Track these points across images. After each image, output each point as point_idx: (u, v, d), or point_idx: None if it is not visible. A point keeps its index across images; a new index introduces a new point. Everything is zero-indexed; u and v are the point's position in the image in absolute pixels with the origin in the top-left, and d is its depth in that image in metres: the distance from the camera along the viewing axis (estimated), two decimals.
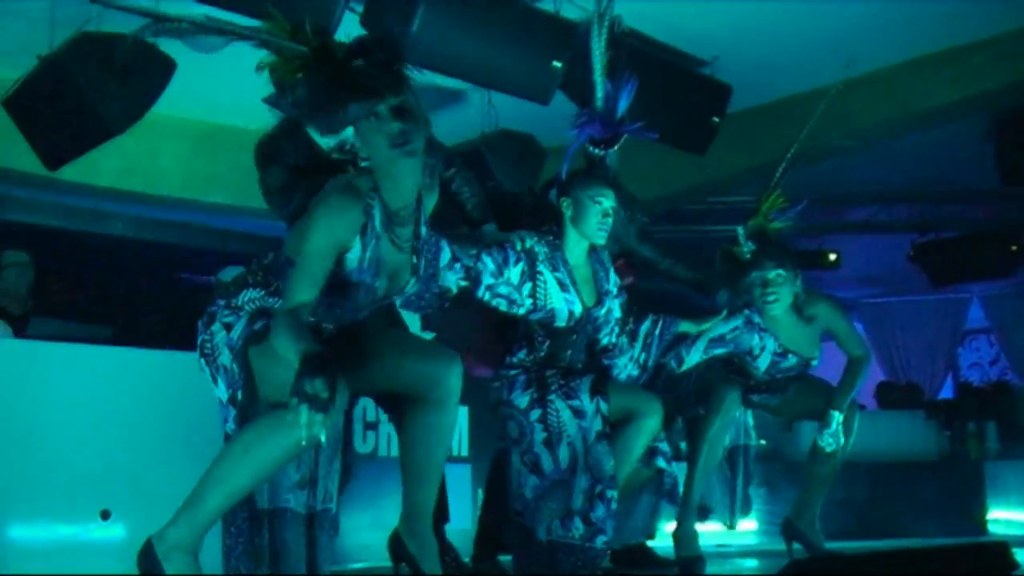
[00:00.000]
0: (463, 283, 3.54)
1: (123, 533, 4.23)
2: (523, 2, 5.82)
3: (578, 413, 3.64)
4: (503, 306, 3.66)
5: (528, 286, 3.65)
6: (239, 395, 2.89)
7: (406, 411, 3.15)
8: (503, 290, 3.63)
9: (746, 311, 4.58)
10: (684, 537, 4.54)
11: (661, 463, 3.97)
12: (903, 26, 6.42)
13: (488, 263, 3.59)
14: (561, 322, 3.71)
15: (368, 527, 4.65)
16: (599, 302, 3.81)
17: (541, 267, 3.68)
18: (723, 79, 6.72)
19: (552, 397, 3.66)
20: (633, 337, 3.97)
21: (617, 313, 3.91)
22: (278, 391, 2.72)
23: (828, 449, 4.64)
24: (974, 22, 6.42)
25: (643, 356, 3.97)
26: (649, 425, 3.78)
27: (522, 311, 3.68)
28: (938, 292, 11.46)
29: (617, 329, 3.93)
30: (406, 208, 2.98)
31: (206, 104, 7.51)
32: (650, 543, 4.68)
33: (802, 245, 10.06)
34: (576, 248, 3.78)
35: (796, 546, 4.88)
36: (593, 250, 3.85)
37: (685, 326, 4.07)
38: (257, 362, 2.85)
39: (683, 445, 4.81)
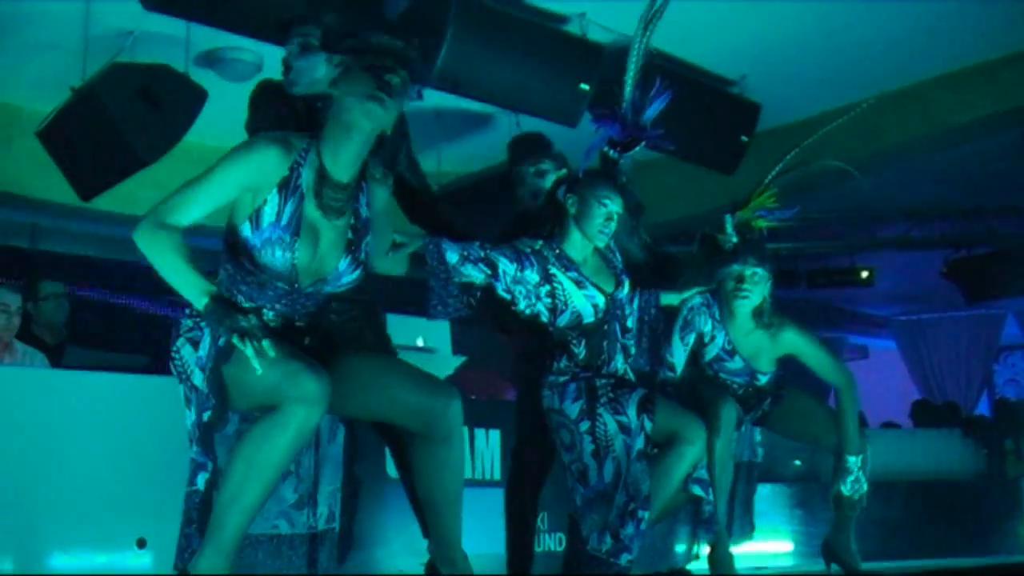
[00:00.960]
0: (485, 271, 3.48)
1: (158, 562, 4.24)
2: (550, 26, 5.85)
3: (624, 429, 3.61)
4: (523, 303, 3.62)
5: (546, 287, 3.62)
6: (204, 416, 2.87)
7: (412, 447, 3.12)
8: (522, 289, 3.59)
9: (707, 295, 4.41)
10: (720, 560, 4.50)
11: (698, 491, 3.94)
12: (933, 42, 6.40)
13: (502, 257, 3.55)
14: (589, 318, 3.67)
15: (402, 552, 4.65)
16: (619, 284, 3.77)
17: (553, 269, 3.64)
18: (752, 98, 6.72)
19: (601, 410, 3.64)
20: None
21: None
22: (251, 398, 2.77)
23: (856, 497, 4.55)
24: (1004, 37, 6.40)
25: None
26: (691, 452, 3.76)
27: (544, 316, 3.66)
28: (972, 308, 11.36)
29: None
30: (341, 183, 2.88)
31: (238, 132, 7.56)
32: (690, 566, 4.65)
33: (835, 262, 10.03)
34: (578, 245, 3.72)
35: (835, 568, 4.83)
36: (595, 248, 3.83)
37: (667, 298, 4.00)
38: (229, 377, 2.81)
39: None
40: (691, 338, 4.38)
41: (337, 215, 2.89)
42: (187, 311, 2.94)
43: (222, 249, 2.94)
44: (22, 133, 6.44)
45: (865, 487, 4.55)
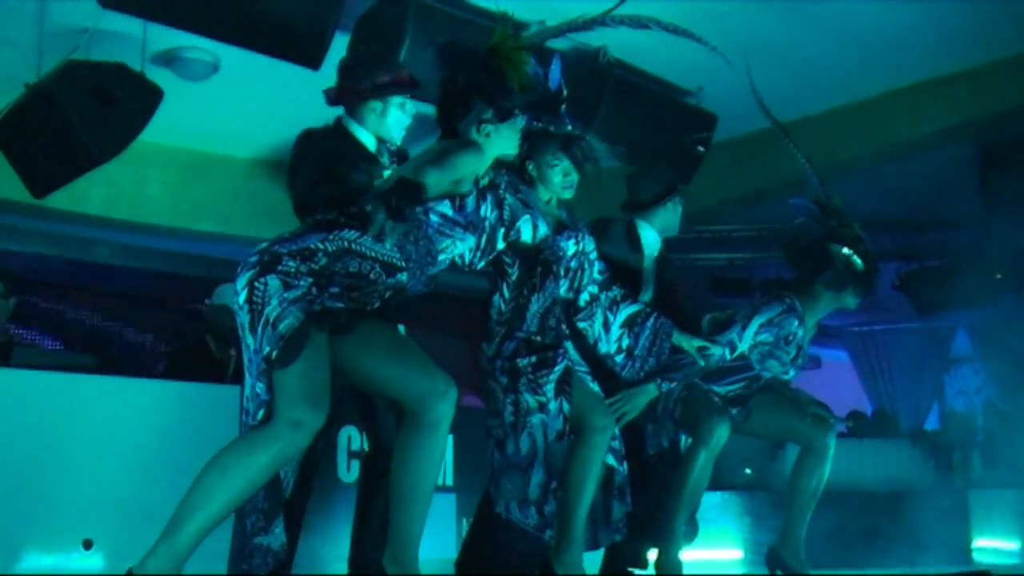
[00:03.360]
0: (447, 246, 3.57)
1: (105, 563, 4.21)
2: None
3: (542, 408, 3.69)
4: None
5: (495, 213, 3.69)
6: (274, 355, 2.91)
7: (400, 433, 3.19)
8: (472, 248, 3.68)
9: (787, 298, 4.68)
10: (668, 566, 4.53)
11: (610, 460, 4.00)
12: (887, 56, 6.47)
13: (460, 214, 3.62)
14: (527, 236, 3.73)
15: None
16: (563, 233, 3.89)
17: (503, 192, 3.73)
18: (709, 108, 6.77)
19: (521, 388, 3.69)
20: (614, 312, 4.00)
21: (594, 274, 3.99)
22: (291, 388, 2.86)
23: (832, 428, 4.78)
24: (958, 53, 6.47)
25: (626, 341, 3.99)
26: (603, 439, 3.85)
27: (500, 245, 3.72)
28: (924, 321, 11.48)
29: (594, 290, 3.99)
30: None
31: (193, 133, 7.53)
32: (639, 572, 4.67)
33: (788, 272, 10.08)
34: (545, 196, 3.93)
35: (779, 574, 4.87)
36: (568, 207, 4.00)
37: (677, 338, 4.09)
38: (305, 355, 2.89)
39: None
40: (765, 336, 4.60)
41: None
42: (292, 247, 3.02)
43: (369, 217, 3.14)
44: None
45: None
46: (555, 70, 3.90)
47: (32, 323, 8.65)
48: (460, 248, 3.51)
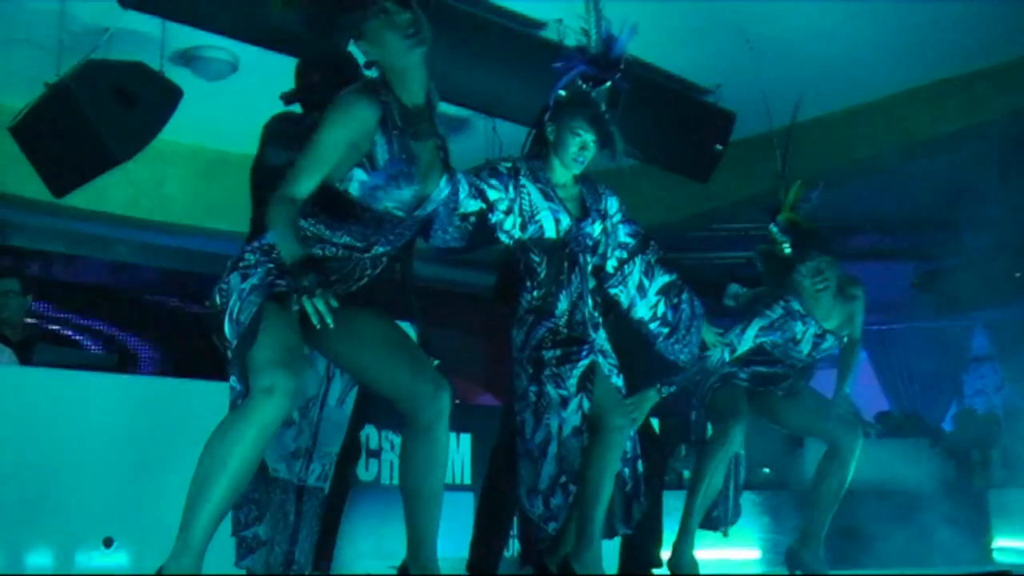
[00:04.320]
0: (481, 205, 3.60)
1: (126, 561, 4.22)
2: (526, 32, 5.87)
3: (563, 402, 3.68)
4: (506, 228, 3.71)
5: (512, 196, 3.71)
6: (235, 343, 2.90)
7: (403, 438, 3.19)
8: (504, 206, 3.69)
9: (782, 301, 4.64)
10: (682, 564, 4.53)
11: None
12: (906, 55, 6.45)
13: (490, 182, 3.67)
14: (551, 232, 3.73)
15: (370, 555, 4.64)
16: (587, 217, 3.83)
17: (523, 180, 3.74)
18: (726, 107, 6.75)
19: (544, 379, 3.69)
20: (649, 277, 3.94)
21: (622, 238, 3.94)
22: (257, 359, 2.82)
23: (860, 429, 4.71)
24: (977, 51, 6.45)
25: (662, 308, 3.93)
26: (620, 438, 3.82)
27: (516, 232, 3.72)
28: (942, 319, 11.44)
29: (623, 255, 3.94)
30: (418, 107, 3.05)
31: (212, 131, 7.55)
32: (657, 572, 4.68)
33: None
34: (559, 171, 3.83)
35: (799, 574, 4.87)
36: (584, 178, 3.89)
37: (705, 331, 4.08)
38: (265, 328, 2.86)
39: (686, 473, 4.81)
40: (767, 339, 4.60)
41: (427, 137, 3.07)
42: (251, 246, 3.04)
43: (321, 204, 3.04)
44: None
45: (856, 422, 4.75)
46: (624, 39, 3.83)
47: (50, 321, 8.69)
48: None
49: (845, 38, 6.23)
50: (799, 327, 4.64)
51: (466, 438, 5.60)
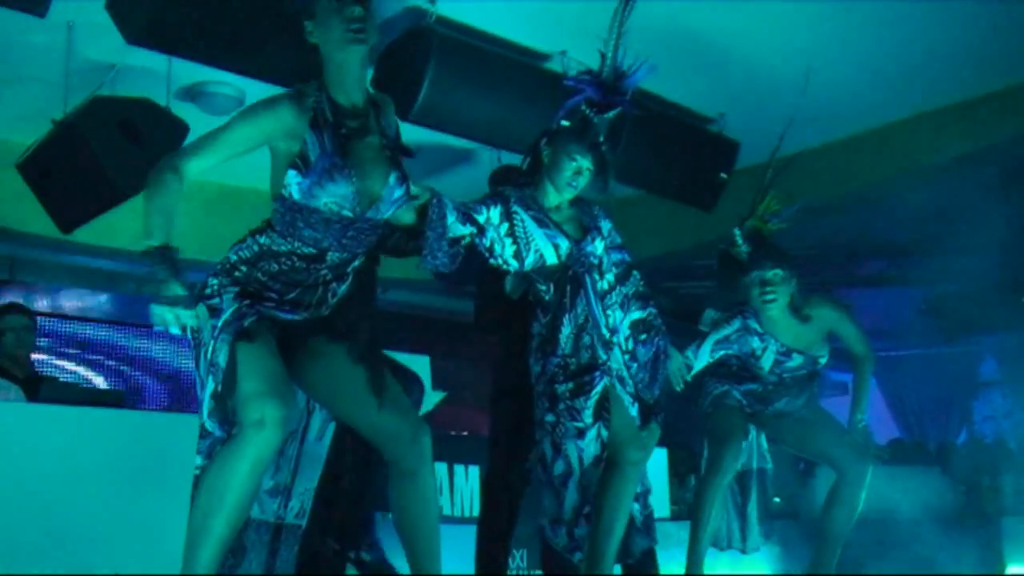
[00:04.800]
0: (471, 229, 3.58)
1: None
2: (532, 64, 5.89)
3: (580, 434, 3.68)
4: (500, 257, 3.70)
5: (505, 226, 3.70)
6: (219, 389, 2.86)
7: (389, 481, 3.16)
8: (495, 235, 3.68)
9: (740, 317, 4.64)
10: None
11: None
12: (907, 82, 6.46)
13: (479, 208, 3.66)
14: (551, 258, 3.73)
15: None
16: (586, 237, 3.82)
17: (515, 207, 3.73)
18: (730, 136, 6.77)
19: (560, 412, 3.70)
20: (624, 310, 3.90)
21: (616, 257, 3.92)
22: (242, 393, 2.80)
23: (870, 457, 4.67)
24: (980, 77, 6.45)
25: (631, 344, 3.88)
26: (635, 472, 3.83)
27: (512, 261, 3.71)
28: (950, 345, 11.41)
29: (611, 279, 3.90)
30: (355, 107, 3.05)
31: (219, 166, 7.57)
32: None
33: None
34: (552, 195, 3.82)
35: None
36: (577, 200, 3.88)
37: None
38: (243, 361, 2.84)
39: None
40: (722, 352, 4.62)
41: (362, 135, 3.05)
42: (214, 268, 3.02)
43: (272, 217, 3.05)
44: (2, 165, 6.42)
45: (873, 436, 4.75)
46: (639, 74, 3.86)
47: (58, 357, 8.69)
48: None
49: (846, 67, 6.24)
50: (756, 342, 4.63)
51: (475, 471, 5.57)
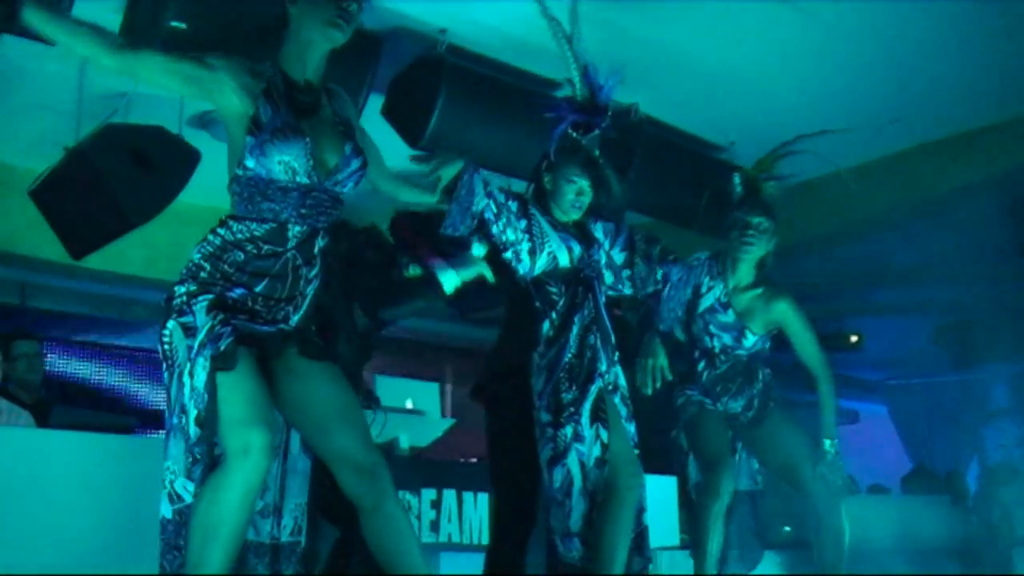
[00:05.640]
0: (492, 209, 3.74)
1: None
2: (542, 92, 5.91)
3: (577, 437, 3.71)
4: (513, 248, 3.82)
5: (524, 222, 3.85)
6: (202, 416, 2.78)
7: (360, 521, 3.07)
8: (510, 226, 3.82)
9: (710, 257, 4.67)
10: None
11: None
12: (916, 111, 6.47)
13: (503, 196, 3.84)
14: (565, 261, 3.86)
15: None
16: (592, 247, 3.99)
17: (532, 208, 3.91)
18: (741, 164, 6.77)
19: (563, 420, 3.73)
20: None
21: (618, 261, 4.08)
22: (224, 420, 2.76)
23: (835, 481, 4.55)
24: (987, 106, 6.47)
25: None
26: (632, 496, 3.82)
27: (525, 262, 3.84)
28: (961, 373, 11.37)
29: (628, 272, 4.09)
30: (309, 84, 3.04)
31: (193, 185, 7.59)
32: None
33: (823, 327, 10.02)
34: (560, 217, 3.98)
35: None
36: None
37: None
38: (223, 385, 2.78)
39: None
40: (674, 274, 4.34)
41: (314, 110, 3.03)
42: (181, 273, 2.95)
43: (232, 203, 3.03)
44: (15, 191, 6.45)
45: (845, 469, 4.66)
46: (610, 85, 3.99)
47: (68, 383, 8.72)
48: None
49: (856, 95, 6.25)
50: (706, 279, 4.61)
51: (483, 498, 5.55)
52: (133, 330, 8.98)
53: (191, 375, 2.78)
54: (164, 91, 2.88)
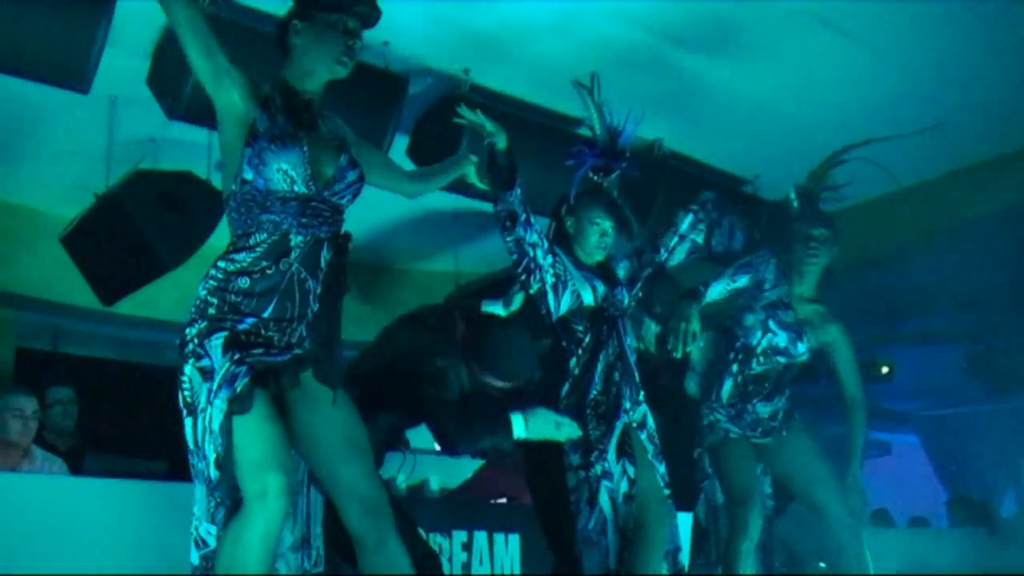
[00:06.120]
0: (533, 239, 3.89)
1: None
2: (565, 130, 5.93)
3: (606, 474, 3.75)
4: (535, 276, 3.91)
5: (550, 259, 3.93)
6: (220, 457, 2.78)
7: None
8: (539, 258, 3.93)
9: (774, 256, 4.77)
10: None
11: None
12: (945, 138, 6.42)
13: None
14: (589, 299, 3.93)
15: None
16: (617, 285, 4.07)
17: (556, 249, 4.00)
18: (766, 196, 6.77)
19: (592, 459, 3.76)
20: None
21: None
22: (241, 464, 2.75)
23: (863, 512, 4.70)
24: (1017, 132, 6.43)
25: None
26: (660, 534, 3.85)
27: (550, 299, 3.93)
28: (996, 402, 11.25)
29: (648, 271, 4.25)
30: (306, 102, 3.07)
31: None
32: None
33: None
34: (584, 258, 4.07)
35: None
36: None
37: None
38: (239, 428, 2.77)
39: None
40: (741, 279, 4.69)
41: (309, 127, 3.04)
42: (190, 312, 2.93)
43: (230, 222, 3.02)
44: (46, 237, 6.52)
45: (868, 499, 4.63)
46: (630, 129, 4.09)
47: (101, 428, 8.74)
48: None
49: (882, 125, 6.22)
50: (771, 276, 4.70)
51: (515, 539, 5.51)
52: (165, 374, 9.01)
53: (210, 419, 2.78)
54: (187, 49, 2.90)
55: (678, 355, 4.29)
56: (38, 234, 6.93)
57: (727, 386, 4.69)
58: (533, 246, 3.86)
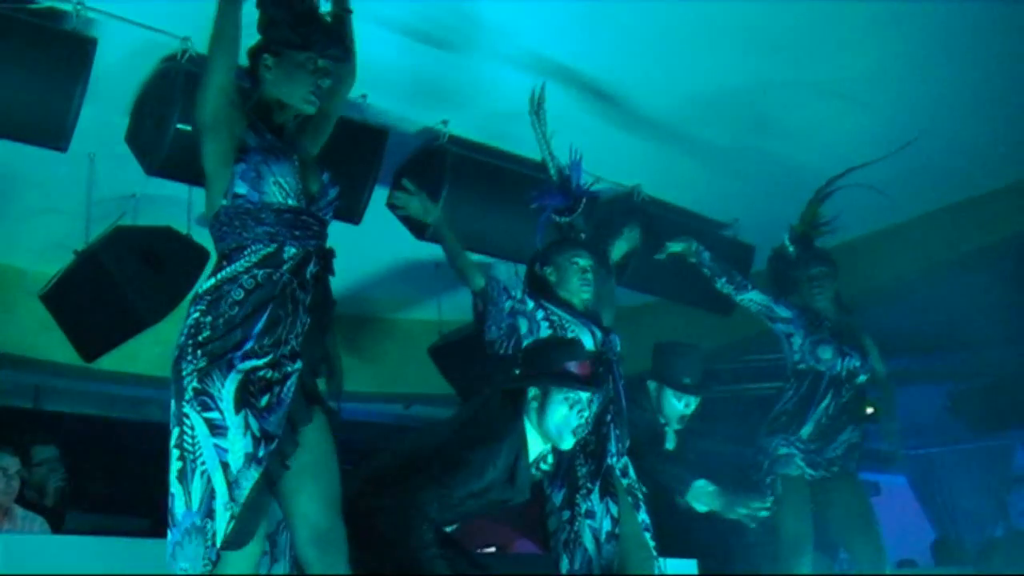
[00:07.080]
0: (510, 302, 3.93)
1: None
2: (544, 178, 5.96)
3: (589, 514, 3.77)
4: (525, 329, 3.93)
5: (541, 312, 3.95)
6: (231, 534, 2.75)
7: None
8: (524, 320, 3.94)
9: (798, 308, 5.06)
10: None
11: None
12: (922, 180, 6.50)
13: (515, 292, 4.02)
14: (589, 344, 3.92)
15: None
16: (610, 331, 4.11)
17: (542, 300, 4.01)
18: (745, 239, 6.80)
19: (577, 498, 3.79)
20: None
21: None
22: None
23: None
24: (995, 170, 6.50)
25: None
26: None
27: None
28: (981, 440, 11.27)
29: None
30: (281, 119, 3.13)
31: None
32: None
33: None
34: (572, 300, 4.08)
35: None
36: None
37: None
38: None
39: None
40: (784, 310, 5.03)
41: (291, 147, 3.10)
42: (180, 342, 2.92)
43: (223, 216, 3.01)
44: (26, 295, 6.50)
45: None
46: (577, 166, 4.20)
47: (83, 485, 8.67)
48: None
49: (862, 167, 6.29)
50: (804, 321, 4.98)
51: None
52: (147, 429, 8.95)
53: (233, 484, 2.75)
54: (215, 60, 3.02)
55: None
56: (18, 292, 6.90)
57: (809, 424, 4.84)
58: (511, 300, 3.91)
